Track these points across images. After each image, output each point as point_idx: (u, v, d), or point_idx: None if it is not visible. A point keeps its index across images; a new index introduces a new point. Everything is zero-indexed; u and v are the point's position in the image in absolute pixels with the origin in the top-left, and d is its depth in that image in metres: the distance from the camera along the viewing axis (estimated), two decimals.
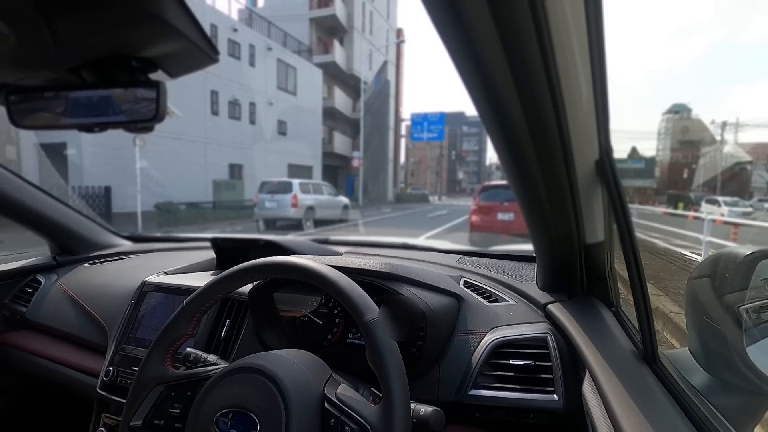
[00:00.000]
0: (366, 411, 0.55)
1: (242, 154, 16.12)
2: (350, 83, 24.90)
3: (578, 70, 0.44)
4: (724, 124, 36.06)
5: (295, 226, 10.19)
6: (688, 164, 42.14)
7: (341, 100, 24.45)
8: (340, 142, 24.68)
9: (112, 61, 0.48)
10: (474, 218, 7.05)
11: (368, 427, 0.53)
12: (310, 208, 10.37)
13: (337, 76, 24.22)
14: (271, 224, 10.15)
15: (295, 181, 10.62)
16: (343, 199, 13.17)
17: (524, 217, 0.69)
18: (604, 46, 0.43)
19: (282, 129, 18.56)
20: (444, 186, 59.80)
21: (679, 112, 47.95)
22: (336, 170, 25.08)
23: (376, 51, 26.98)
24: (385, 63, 28.62)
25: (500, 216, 6.64)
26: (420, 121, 25.85)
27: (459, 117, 76.03)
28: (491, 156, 75.50)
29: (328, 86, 23.11)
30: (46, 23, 0.40)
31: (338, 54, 23.39)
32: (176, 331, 0.67)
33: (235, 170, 16.03)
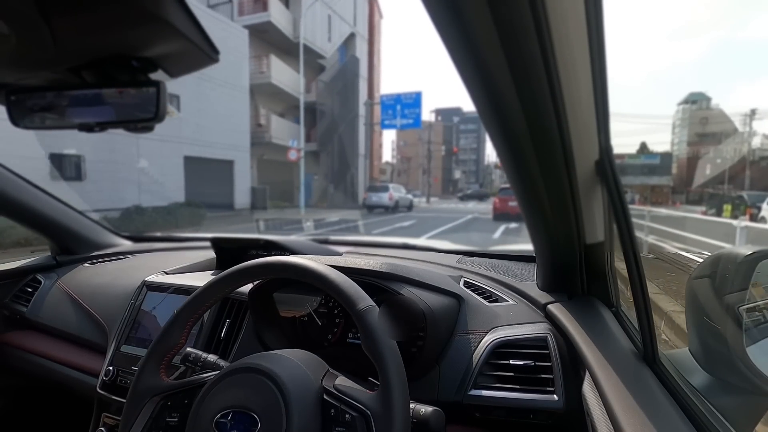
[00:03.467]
0: (364, 397, 0.55)
1: (85, 140, 9.60)
2: (304, 57, 18.03)
3: (578, 70, 0.43)
4: (752, 113, 31.90)
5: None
6: (712, 159, 37.37)
7: (285, 75, 17.53)
8: (285, 130, 17.89)
9: (112, 61, 0.48)
10: (497, 205, 13.57)
11: (368, 412, 0.53)
12: (397, 201, 17.74)
13: (280, 46, 17.60)
14: (372, 209, 17.27)
15: (390, 185, 18.77)
16: (410, 197, 20.34)
17: (524, 218, 0.69)
18: (604, 45, 0.43)
19: (172, 106, 11.26)
20: (439, 187, 57.26)
21: (696, 101, 43.47)
22: (282, 167, 18.29)
23: (337, 17, 20.83)
24: (352, 35, 22.86)
25: (510, 203, 12.18)
26: (391, 104, 20.23)
27: (456, 113, 74.47)
28: (488, 154, 73.80)
29: (266, 56, 16.99)
30: (46, 23, 0.40)
31: (278, 14, 16.79)
32: (169, 340, 0.67)
33: (67, 164, 9.98)
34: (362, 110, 23.41)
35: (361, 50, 24.45)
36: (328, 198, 21.05)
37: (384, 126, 21.31)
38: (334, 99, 21.50)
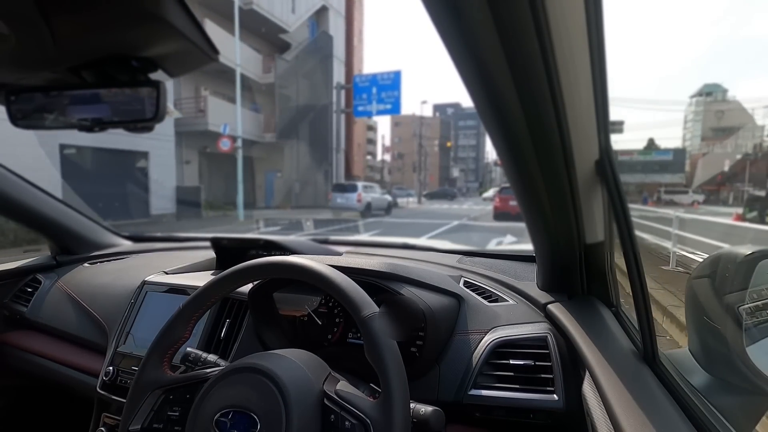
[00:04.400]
0: (365, 405, 0.55)
1: None
2: (260, 30, 14.76)
3: (578, 69, 0.44)
4: None
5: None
6: (729, 155, 34.19)
7: (230, 49, 13.20)
8: (231, 117, 13.56)
9: (112, 61, 0.48)
10: (497, 205, 13.21)
11: (368, 421, 0.53)
12: (369, 203, 14.82)
13: (224, 13, 13.48)
14: (340, 212, 14.67)
15: (359, 184, 15.38)
16: (388, 197, 17.10)
17: (524, 217, 0.69)
18: (604, 45, 0.43)
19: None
20: (436, 185, 54.04)
21: (711, 93, 40.58)
22: (232, 162, 13.51)
23: None
24: (324, 8, 19.44)
25: (511, 203, 11.64)
26: (366, 86, 16.59)
27: (453, 107, 73.38)
28: (488, 151, 72.45)
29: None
30: (46, 23, 0.40)
31: None
32: (173, 335, 0.67)
33: None
34: (336, 96, 19.39)
35: (336, 27, 20.45)
36: (293, 198, 17.78)
37: (357, 113, 17.80)
38: (301, 82, 17.78)
